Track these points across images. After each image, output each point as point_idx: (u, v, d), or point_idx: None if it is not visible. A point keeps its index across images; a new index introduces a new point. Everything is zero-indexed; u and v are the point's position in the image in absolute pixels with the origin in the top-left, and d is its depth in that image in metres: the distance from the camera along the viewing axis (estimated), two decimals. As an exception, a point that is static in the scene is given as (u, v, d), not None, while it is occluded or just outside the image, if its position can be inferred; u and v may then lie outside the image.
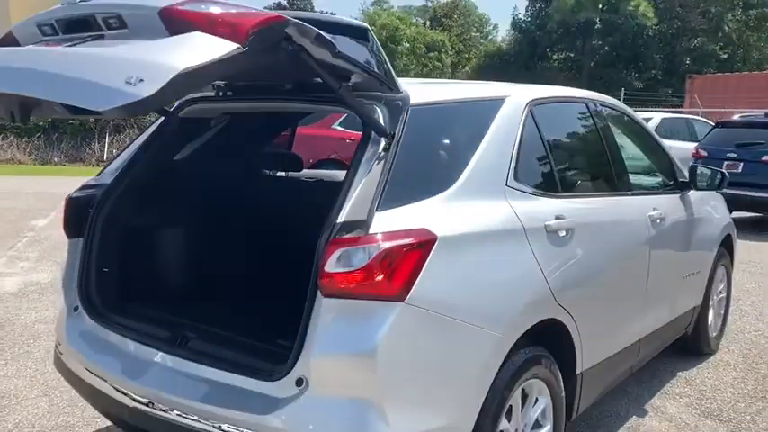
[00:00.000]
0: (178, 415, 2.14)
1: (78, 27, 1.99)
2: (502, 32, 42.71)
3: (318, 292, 1.94)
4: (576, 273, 2.69)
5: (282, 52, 1.79)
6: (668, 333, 3.89)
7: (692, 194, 4.10)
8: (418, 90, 2.36)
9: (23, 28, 2.20)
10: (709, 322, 4.52)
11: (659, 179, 4.02)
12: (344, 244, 1.91)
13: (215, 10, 1.79)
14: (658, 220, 3.47)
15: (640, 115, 13.55)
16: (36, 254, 7.07)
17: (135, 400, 2.28)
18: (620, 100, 19.04)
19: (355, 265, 1.90)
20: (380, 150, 2.09)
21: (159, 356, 2.32)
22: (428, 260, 2.01)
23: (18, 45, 2.17)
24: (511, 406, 2.41)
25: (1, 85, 1.86)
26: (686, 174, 4.06)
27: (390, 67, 2.15)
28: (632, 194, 3.38)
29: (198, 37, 1.72)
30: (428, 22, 27.21)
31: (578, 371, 2.80)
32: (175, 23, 1.79)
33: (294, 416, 1.95)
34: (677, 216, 3.81)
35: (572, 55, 32.35)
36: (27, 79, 1.81)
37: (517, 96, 2.75)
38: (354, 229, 1.94)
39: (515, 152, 2.56)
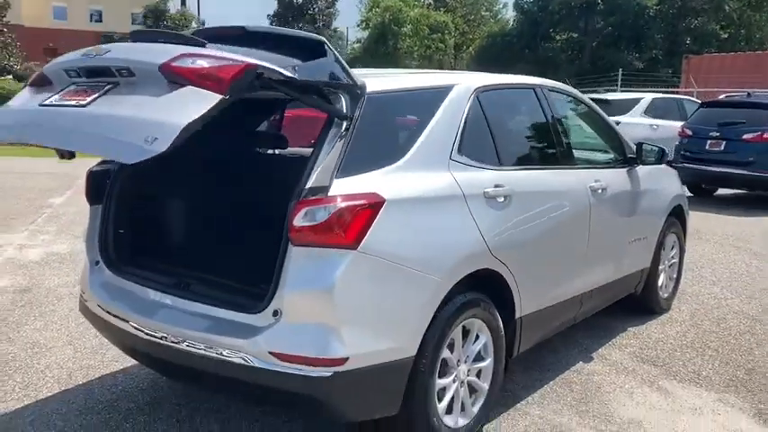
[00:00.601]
0: (187, 345, 2.69)
1: (97, 74, 2.55)
2: (511, 11, 42.93)
3: (289, 243, 2.48)
4: (512, 232, 3.21)
5: (256, 87, 2.33)
6: (614, 290, 4.41)
7: (641, 169, 4.60)
8: (375, 81, 2.88)
9: (53, 70, 2.76)
10: (660, 284, 5.04)
11: (608, 155, 4.52)
12: (309, 204, 2.45)
13: (201, 64, 2.31)
14: (599, 190, 3.98)
15: (633, 95, 13.89)
16: (55, 228, 7.65)
17: (148, 334, 2.83)
18: (617, 81, 19.35)
19: (317, 220, 2.44)
20: (341, 131, 2.61)
21: (167, 299, 2.87)
22: (377, 218, 2.54)
23: (50, 84, 2.74)
24: (453, 340, 2.95)
25: (52, 141, 2.51)
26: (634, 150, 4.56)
27: (347, 68, 2.64)
28: (574, 168, 3.89)
29: (191, 93, 2.25)
30: (432, 3, 27.60)
31: (517, 315, 3.34)
32: (171, 76, 2.32)
33: (272, 338, 2.50)
34: (621, 187, 4.32)
35: (574, 35, 32.60)
36: (72, 138, 2.44)
37: (464, 84, 3.27)
38: (318, 193, 2.47)
39: (460, 131, 3.09)
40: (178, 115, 2.18)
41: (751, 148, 10.03)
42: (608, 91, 19.13)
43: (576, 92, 4.47)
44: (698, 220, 9.14)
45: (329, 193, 2.47)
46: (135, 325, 2.89)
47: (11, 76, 28.32)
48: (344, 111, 2.64)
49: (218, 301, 2.71)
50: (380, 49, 26.70)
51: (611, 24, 31.15)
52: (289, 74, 2.39)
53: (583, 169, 3.97)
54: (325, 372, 2.46)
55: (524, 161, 3.64)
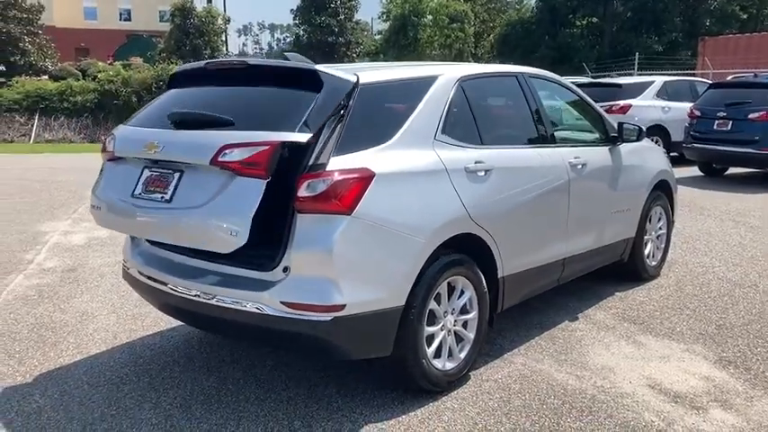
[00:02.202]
0: (215, 300, 3.21)
1: (165, 164, 3.28)
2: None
3: (295, 211, 2.99)
4: (492, 202, 3.69)
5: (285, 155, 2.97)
6: (598, 257, 4.86)
7: (624, 147, 5.03)
8: (367, 74, 3.38)
9: (124, 152, 3.54)
10: (647, 253, 5.48)
11: (590, 135, 4.95)
12: (310, 178, 2.96)
13: (238, 156, 2.95)
14: (579, 166, 4.43)
15: (644, 79, 14.10)
16: (94, 217, 8.29)
17: (179, 292, 3.36)
18: (634, 64, 19.53)
19: (318, 191, 2.95)
20: (338, 118, 3.11)
21: (195, 262, 3.41)
22: (369, 188, 3.05)
23: (124, 160, 3.55)
24: (440, 294, 3.45)
25: (153, 236, 3.44)
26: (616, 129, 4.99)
27: (340, 77, 3.20)
28: (554, 146, 4.33)
29: (244, 184, 2.96)
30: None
31: (500, 275, 3.82)
32: (220, 165, 3.00)
33: (283, 290, 3.02)
34: (602, 163, 4.75)
35: (594, 20, 32.58)
36: (170, 236, 3.32)
37: (448, 74, 3.75)
38: (318, 169, 2.98)
39: (444, 115, 3.57)
40: (245, 208, 2.92)
41: (756, 127, 10.30)
42: (622, 75, 19.29)
43: (558, 78, 4.90)
44: (704, 197, 9.51)
45: (327, 169, 2.98)
46: (169, 285, 3.43)
47: (47, 77, 29.34)
48: (340, 101, 3.14)
49: (237, 262, 3.23)
50: (401, 40, 27.08)
51: (630, 9, 31.12)
52: (303, 138, 2.96)
53: (563, 147, 4.42)
54: (327, 316, 2.98)
55: (505, 140, 4.09)
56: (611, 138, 4.96)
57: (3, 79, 28.80)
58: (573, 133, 4.96)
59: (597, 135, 4.97)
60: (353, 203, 3.00)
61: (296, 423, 3.23)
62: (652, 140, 13.26)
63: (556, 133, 4.51)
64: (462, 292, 3.62)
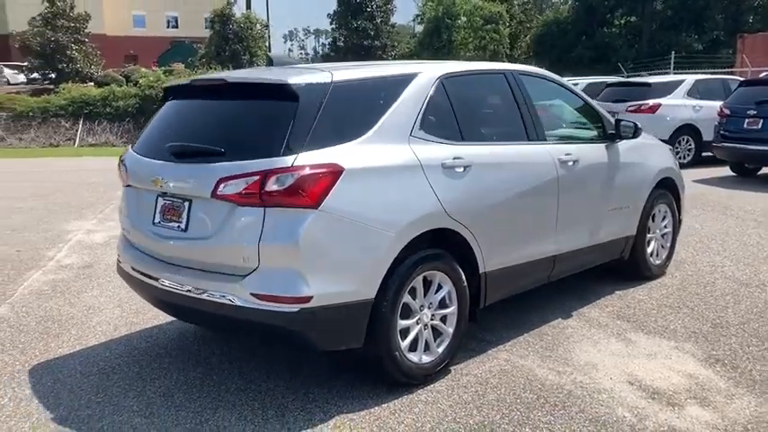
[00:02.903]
0: (191, 291, 3.33)
1: (170, 196, 3.48)
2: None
3: (264, 205, 3.08)
4: (472, 198, 3.71)
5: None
6: (594, 254, 4.83)
7: (623, 144, 4.99)
8: (342, 73, 3.45)
9: (139, 182, 3.74)
10: (651, 251, 5.41)
11: (586, 132, 4.92)
12: (278, 172, 3.04)
13: (234, 189, 3.11)
14: (569, 163, 4.41)
15: (675, 78, 13.82)
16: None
17: (164, 285, 3.48)
18: (670, 63, 19.17)
19: (285, 185, 3.03)
20: (309, 114, 3.19)
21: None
22: (337, 183, 3.11)
23: (140, 190, 3.75)
24: (415, 288, 3.49)
25: (170, 259, 3.52)
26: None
27: (312, 82, 3.30)
28: (543, 143, 4.32)
29: (245, 213, 3.12)
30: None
31: (481, 270, 3.84)
32: (221, 198, 3.15)
33: (252, 282, 3.11)
34: (596, 160, 4.73)
35: (633, 19, 31.98)
36: (186, 266, 3.42)
37: (428, 72, 3.79)
38: (288, 164, 3.06)
39: (422, 112, 3.62)
40: (251, 235, 3.09)
41: (786, 126, 10.02)
42: (658, 74, 18.93)
43: (554, 76, 4.88)
44: (730, 197, 9.30)
45: (295, 164, 3.06)
46: (155, 279, 3.56)
47: (92, 83, 30.21)
48: (313, 99, 3.23)
49: None
50: (435, 43, 27.08)
51: (671, 7, 30.42)
52: (289, 161, 3.07)
53: (552, 144, 4.40)
54: (293, 308, 3.06)
55: (488, 137, 4.11)
56: (610, 135, 4.92)
57: (51, 86, 29.78)
58: (567, 130, 4.94)
59: (594, 132, 4.94)
60: (320, 198, 3.07)
61: (270, 412, 3.32)
62: (682, 140, 13.16)
63: (547, 130, 4.50)
64: (440, 287, 3.66)
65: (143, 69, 31.44)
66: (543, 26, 33.38)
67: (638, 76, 20.39)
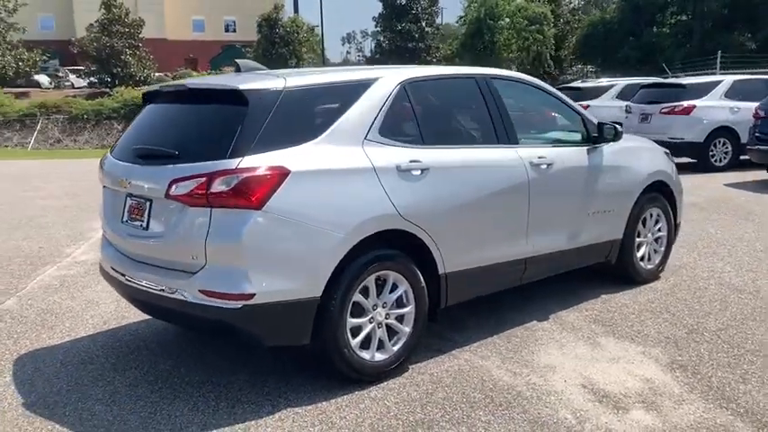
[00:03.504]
0: (155, 288, 3.50)
1: (136, 196, 3.64)
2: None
3: (210, 205, 3.23)
4: (430, 200, 3.77)
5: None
6: (574, 258, 4.82)
7: (610, 147, 4.97)
8: (295, 79, 3.58)
9: (110, 183, 3.94)
10: (641, 255, 5.35)
11: (567, 135, 4.92)
12: (223, 174, 3.19)
13: (183, 190, 3.25)
14: (543, 166, 4.42)
15: (712, 78, 13.46)
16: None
17: (130, 281, 3.67)
18: (716, 63, 18.61)
19: (229, 186, 3.17)
20: (258, 119, 3.33)
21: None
22: (282, 185, 3.24)
23: (115, 191, 3.91)
24: (367, 287, 3.59)
25: (138, 257, 3.68)
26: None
27: (260, 88, 3.44)
28: (514, 146, 4.34)
29: (194, 214, 3.27)
30: (536, -6, 27.59)
31: (441, 272, 3.90)
32: (174, 198, 3.32)
33: (201, 278, 3.26)
34: (575, 163, 4.72)
35: (683, 18, 31.08)
36: (143, 261, 3.65)
37: (389, 77, 3.88)
38: (233, 167, 3.20)
39: (379, 116, 3.71)
40: (199, 235, 3.24)
41: (820, 128, 9.67)
42: (703, 74, 18.42)
43: (534, 80, 4.90)
44: (756, 202, 9.09)
45: (239, 166, 3.19)
46: (125, 276, 3.75)
47: (147, 87, 31.32)
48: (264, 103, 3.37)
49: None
50: (477, 44, 26.96)
51: (724, 5, 29.42)
52: (234, 164, 3.22)
53: (524, 147, 4.42)
54: (236, 304, 3.20)
55: (452, 141, 4.16)
56: (593, 138, 4.91)
57: (108, 90, 30.93)
58: (545, 134, 4.94)
59: (576, 136, 4.93)
60: (264, 199, 3.20)
61: (222, 404, 3.46)
62: (718, 143, 12.81)
63: (523, 134, 4.53)
64: (396, 287, 3.74)
65: (194, 73, 32.33)
66: (589, 26, 32.79)
67: (685, 76, 19.87)
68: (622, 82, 16.79)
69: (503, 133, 4.33)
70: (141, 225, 3.59)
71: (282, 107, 3.41)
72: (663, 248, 5.56)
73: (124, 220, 3.74)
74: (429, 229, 3.78)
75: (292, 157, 3.33)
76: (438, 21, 34.59)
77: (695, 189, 10.30)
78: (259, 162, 3.23)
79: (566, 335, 4.37)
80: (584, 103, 16.03)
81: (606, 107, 15.64)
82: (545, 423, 3.24)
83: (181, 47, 48.41)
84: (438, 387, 3.63)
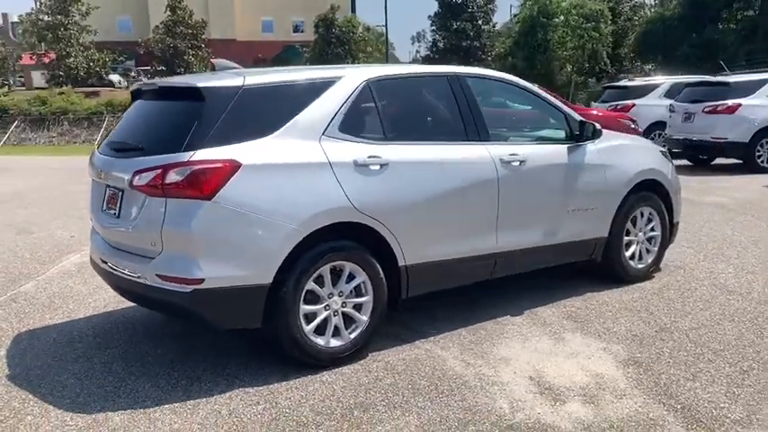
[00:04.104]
0: (124, 273, 3.77)
1: (112, 186, 3.91)
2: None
3: (166, 195, 3.47)
4: (387, 194, 3.90)
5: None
6: (552, 254, 4.86)
7: (593, 145, 4.98)
8: (255, 77, 3.78)
9: (94, 175, 4.19)
10: (629, 254, 5.32)
11: (547, 133, 4.96)
12: (176, 166, 3.42)
13: (143, 180, 3.50)
14: (515, 163, 4.48)
15: (760, 76, 13.02)
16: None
17: (112, 269, 3.95)
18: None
19: (181, 178, 3.40)
20: (213, 115, 3.55)
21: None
22: (233, 177, 3.45)
23: (99, 183, 4.17)
24: (322, 276, 3.76)
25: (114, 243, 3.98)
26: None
27: (219, 86, 3.65)
28: (483, 143, 4.41)
29: (153, 203, 3.51)
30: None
31: (401, 264, 4.03)
32: (136, 188, 3.56)
33: (158, 263, 3.51)
34: (552, 161, 4.75)
35: (749, 14, 29.78)
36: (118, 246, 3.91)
37: (353, 76, 4.04)
38: (185, 159, 3.43)
39: (340, 113, 3.87)
40: (157, 223, 3.50)
41: None
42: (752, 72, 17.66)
43: (515, 79, 4.95)
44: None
45: (192, 159, 3.42)
46: (107, 264, 4.03)
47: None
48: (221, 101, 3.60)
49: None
50: (530, 42, 26.65)
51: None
52: (186, 157, 3.44)
53: (495, 144, 4.48)
54: (187, 288, 3.43)
55: (416, 137, 4.23)
56: (575, 136, 4.93)
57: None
58: (522, 131, 4.99)
59: (557, 133, 4.96)
60: (214, 190, 3.42)
61: (182, 382, 3.70)
62: (765, 143, 12.36)
63: (495, 131, 4.60)
64: (353, 277, 3.89)
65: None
66: (647, 23, 31.88)
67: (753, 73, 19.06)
68: (671, 80, 16.37)
69: (473, 131, 4.41)
70: (115, 214, 3.86)
71: (239, 104, 3.62)
72: (656, 248, 5.51)
73: (103, 209, 4.02)
74: (387, 222, 3.92)
75: (245, 151, 3.53)
76: (494, 19, 34.42)
77: (731, 190, 10.05)
78: (211, 155, 3.45)
79: (534, 329, 4.42)
80: (629, 102, 15.77)
81: (651, 106, 15.31)
82: (478, 410, 3.34)
83: (250, 47, 49.42)
84: (389, 374, 3.77)
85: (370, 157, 3.89)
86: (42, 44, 37.34)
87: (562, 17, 25.53)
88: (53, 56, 37.06)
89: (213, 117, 3.56)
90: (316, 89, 3.90)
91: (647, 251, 5.47)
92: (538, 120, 5.08)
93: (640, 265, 5.41)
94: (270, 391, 3.57)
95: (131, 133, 3.99)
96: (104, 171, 3.93)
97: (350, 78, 4.02)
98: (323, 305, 3.80)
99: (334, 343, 3.85)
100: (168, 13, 35.61)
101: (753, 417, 3.22)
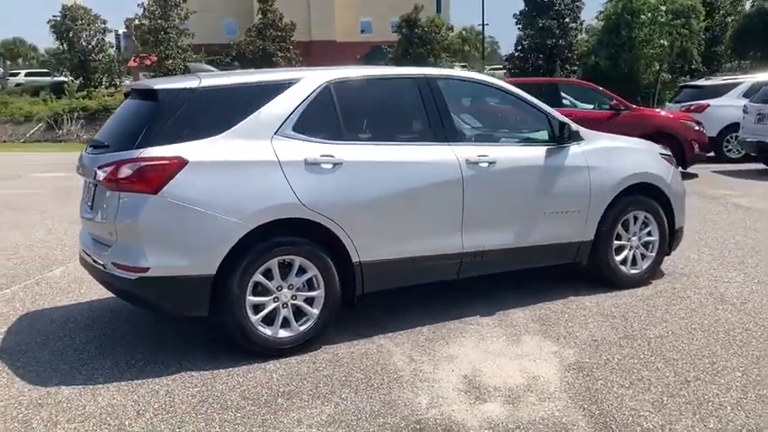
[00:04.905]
0: (93, 262, 4.11)
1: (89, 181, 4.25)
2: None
3: (119, 189, 3.76)
4: (339, 192, 4.03)
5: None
6: (525, 256, 4.82)
7: (580, 146, 4.92)
8: (211, 80, 4.02)
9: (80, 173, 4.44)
10: (621, 259, 5.19)
11: (525, 135, 4.94)
12: (126, 162, 3.70)
13: (102, 175, 3.79)
14: (483, 164, 4.50)
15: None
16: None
17: (95, 261, 4.29)
18: None
19: (130, 173, 3.68)
20: (165, 115, 3.81)
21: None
22: (179, 173, 3.69)
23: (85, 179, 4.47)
24: (270, 269, 3.94)
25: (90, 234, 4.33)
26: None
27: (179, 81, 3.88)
28: (448, 144, 4.44)
29: (110, 196, 3.82)
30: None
31: (355, 260, 4.15)
32: (99, 182, 3.89)
33: (113, 253, 3.82)
34: (526, 162, 4.73)
35: None
36: (94, 240, 4.23)
37: (313, 78, 4.19)
38: (134, 155, 3.71)
39: (296, 114, 4.05)
40: (111, 214, 3.82)
41: None
42: None
43: (489, 80, 5.00)
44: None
45: (140, 156, 3.69)
46: (91, 257, 4.37)
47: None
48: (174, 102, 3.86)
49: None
50: (614, 40, 25.72)
51: None
52: (136, 154, 3.72)
53: (463, 145, 4.50)
54: (133, 276, 3.71)
55: (375, 138, 4.33)
56: (557, 138, 4.87)
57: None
58: (498, 132, 4.98)
59: (540, 135, 4.93)
60: (160, 185, 3.67)
61: (139, 363, 3.98)
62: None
63: (466, 132, 4.65)
64: (304, 271, 4.05)
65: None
66: (745, 19, 29.97)
67: None
68: (751, 79, 15.44)
69: (440, 132, 4.47)
70: (90, 206, 4.20)
71: (192, 104, 3.87)
72: (653, 254, 5.34)
73: (85, 201, 4.38)
74: (338, 219, 4.05)
75: (193, 149, 3.77)
76: (582, 16, 33.42)
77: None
78: (159, 152, 3.71)
79: (495, 330, 4.43)
80: (704, 102, 14.99)
81: (727, 107, 14.49)
82: (395, 405, 3.42)
83: (349, 48, 50.01)
84: (331, 366, 3.90)
85: (322, 156, 4.03)
86: (145, 47, 39.65)
87: (649, 14, 24.50)
88: (154, 58, 39.24)
89: (166, 117, 3.83)
90: (272, 91, 4.08)
91: (643, 257, 5.31)
92: (517, 121, 5.05)
93: (634, 271, 5.27)
94: (212, 376, 3.79)
95: (106, 132, 4.32)
96: (83, 167, 4.28)
97: (309, 80, 4.18)
98: (271, 297, 3.98)
99: (283, 334, 4.02)
100: (259, 16, 36.99)
101: (668, 427, 3.14)
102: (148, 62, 40.04)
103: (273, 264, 3.96)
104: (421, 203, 4.36)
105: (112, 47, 42.54)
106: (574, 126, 4.95)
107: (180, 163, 3.72)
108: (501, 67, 34.95)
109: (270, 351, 4.00)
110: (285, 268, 4.02)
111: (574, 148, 4.90)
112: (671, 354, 3.98)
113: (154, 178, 3.68)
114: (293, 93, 4.10)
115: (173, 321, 4.65)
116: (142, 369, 3.91)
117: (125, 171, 3.71)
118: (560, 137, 4.84)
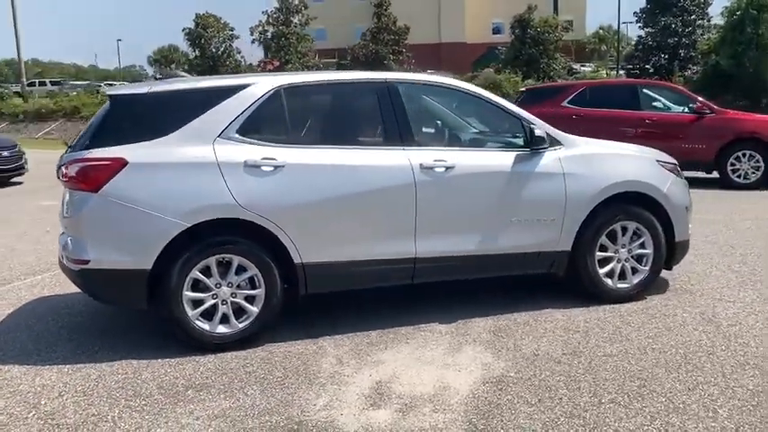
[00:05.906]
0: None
1: None
2: None
3: (69, 187, 4.08)
4: (280, 194, 4.14)
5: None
6: (487, 263, 4.72)
7: (557, 151, 4.73)
8: (161, 86, 4.26)
9: None
10: (605, 272, 4.91)
11: (498, 139, 4.80)
12: (74, 162, 4.01)
13: (60, 174, 4.13)
14: (439, 169, 4.43)
15: None
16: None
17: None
18: None
19: (74, 173, 3.99)
20: (113, 119, 4.10)
21: None
22: (119, 173, 3.96)
23: None
24: (208, 267, 4.12)
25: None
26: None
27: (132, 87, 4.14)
28: (404, 149, 4.41)
29: (72, 195, 4.11)
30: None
31: (297, 261, 4.24)
32: (61, 182, 4.19)
33: (66, 244, 4.15)
34: (491, 168, 4.60)
35: None
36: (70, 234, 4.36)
37: (262, 84, 4.33)
38: (78, 155, 4.01)
39: (241, 118, 4.20)
40: (66, 210, 4.20)
41: None
42: None
43: (462, 85, 4.87)
44: None
45: (84, 156, 3.99)
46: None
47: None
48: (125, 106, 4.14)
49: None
50: (737, 38, 23.76)
51: None
52: (85, 154, 4.02)
53: (418, 150, 4.44)
54: (76, 267, 4.02)
55: (323, 142, 4.39)
56: (531, 143, 4.70)
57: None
58: (463, 137, 4.85)
59: (515, 140, 4.79)
60: (101, 185, 3.95)
61: (95, 350, 4.28)
62: None
63: (425, 137, 4.60)
64: (243, 270, 4.19)
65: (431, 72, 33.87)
66: None
67: None
68: None
69: (394, 136, 4.45)
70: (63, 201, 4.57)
71: (138, 109, 4.15)
72: (647, 268, 5.00)
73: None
74: (279, 221, 4.15)
75: (134, 151, 4.02)
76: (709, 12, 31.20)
77: None
78: (101, 153, 3.99)
79: (443, 338, 4.35)
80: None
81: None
82: (290, 404, 3.48)
83: (480, 49, 49.76)
84: (259, 363, 4.02)
85: (264, 158, 4.16)
86: (268, 53, 41.70)
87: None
88: (276, 63, 41.15)
89: (115, 120, 4.13)
90: (220, 95, 4.26)
91: (634, 270, 4.99)
92: (489, 126, 4.92)
93: (622, 285, 4.97)
94: (147, 366, 4.02)
95: (79, 134, 4.68)
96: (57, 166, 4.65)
97: (259, 86, 4.32)
98: (210, 294, 4.15)
99: (222, 329, 4.18)
100: (374, 19, 37.73)
101: (541, 449, 2.98)
102: (271, 67, 42.02)
103: (212, 262, 4.13)
104: (368, 207, 4.37)
105: (239, 52, 45.02)
106: (552, 131, 4.76)
107: (121, 163, 3.98)
108: (631, 66, 33.30)
109: (207, 345, 4.17)
110: (225, 267, 4.17)
111: (549, 154, 4.71)
112: (605, 374, 3.75)
113: (95, 177, 3.97)
114: (241, 97, 4.26)
115: (147, 315, 4.95)
116: (93, 355, 4.21)
117: (73, 170, 4.03)
118: (533, 142, 4.66)
